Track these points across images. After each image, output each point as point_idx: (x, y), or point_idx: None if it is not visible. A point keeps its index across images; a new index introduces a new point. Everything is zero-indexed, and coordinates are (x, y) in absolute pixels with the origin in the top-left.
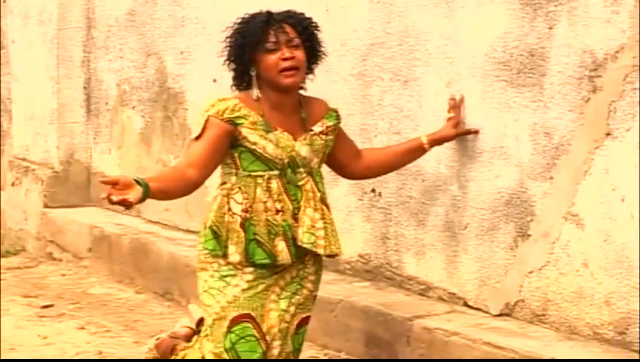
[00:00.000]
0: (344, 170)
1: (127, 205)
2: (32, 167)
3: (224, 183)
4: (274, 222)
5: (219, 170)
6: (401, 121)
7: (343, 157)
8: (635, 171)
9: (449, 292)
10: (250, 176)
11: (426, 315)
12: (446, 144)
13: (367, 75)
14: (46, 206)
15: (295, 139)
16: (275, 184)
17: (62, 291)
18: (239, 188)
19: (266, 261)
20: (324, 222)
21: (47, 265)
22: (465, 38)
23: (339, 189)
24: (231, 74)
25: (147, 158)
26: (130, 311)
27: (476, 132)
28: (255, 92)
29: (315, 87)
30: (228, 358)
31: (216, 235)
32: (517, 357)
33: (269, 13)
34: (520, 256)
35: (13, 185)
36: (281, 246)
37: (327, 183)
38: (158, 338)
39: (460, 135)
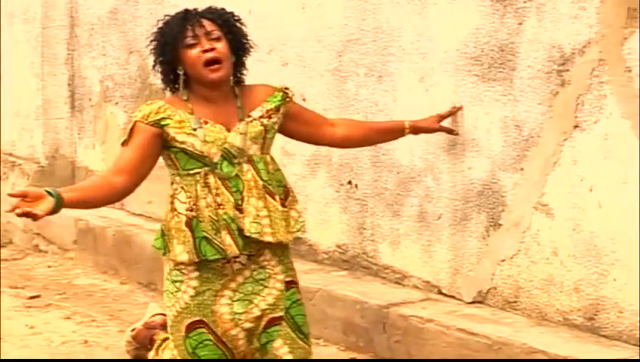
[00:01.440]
0: (317, 139)
1: (33, 218)
2: (18, 162)
3: (172, 183)
4: (216, 217)
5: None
6: (376, 114)
7: (308, 129)
8: (603, 162)
9: (424, 281)
10: (189, 174)
11: (402, 303)
12: (421, 136)
13: (343, 70)
14: None
15: (229, 130)
16: (212, 179)
17: (48, 282)
18: (182, 187)
19: (217, 256)
20: (268, 210)
21: (33, 257)
22: (437, 34)
23: (316, 181)
24: (159, 76)
25: None
26: (115, 301)
27: (456, 134)
28: (183, 92)
29: (292, 82)
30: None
31: (162, 234)
32: (489, 342)
33: (186, 10)
34: (492, 245)
35: (0, 179)
36: (227, 239)
37: (305, 175)
38: (133, 329)
39: (441, 130)
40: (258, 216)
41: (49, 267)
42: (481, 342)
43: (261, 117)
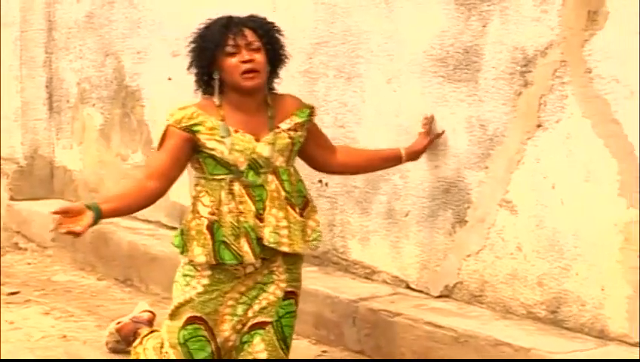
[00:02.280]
0: (317, 164)
1: (76, 235)
2: None
3: (196, 185)
4: (237, 224)
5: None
6: (345, 115)
7: (315, 152)
8: (565, 160)
9: (392, 276)
10: (214, 179)
11: (371, 297)
12: (389, 136)
13: (313, 72)
14: (12, 198)
15: (258, 140)
16: (237, 187)
17: (27, 279)
18: (206, 191)
19: (234, 261)
20: (288, 221)
21: (13, 254)
22: (404, 36)
23: None
24: (194, 78)
25: (107, 153)
26: (93, 296)
27: (442, 133)
28: (216, 98)
29: None
30: (180, 351)
31: (182, 233)
32: (456, 335)
33: (229, 17)
34: (458, 241)
35: None
36: (245, 246)
37: None
38: (119, 322)
39: (432, 142)
40: (278, 226)
41: (28, 264)
42: (448, 334)
43: (289, 129)
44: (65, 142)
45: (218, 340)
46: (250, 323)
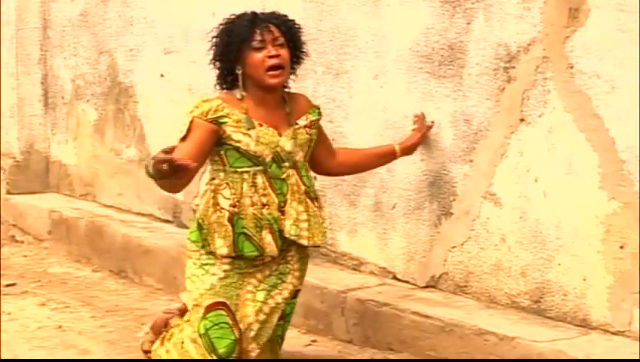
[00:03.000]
0: (319, 166)
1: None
2: None
3: (213, 179)
4: (260, 215)
5: (207, 167)
6: (334, 110)
7: (319, 154)
8: (547, 154)
9: (379, 267)
10: (236, 172)
11: (359, 288)
12: (375, 131)
13: (302, 68)
14: (8, 192)
15: (280, 134)
16: (260, 179)
17: (24, 271)
18: (227, 183)
19: (255, 253)
20: (308, 215)
21: (10, 247)
22: (390, 33)
23: None
24: (216, 73)
25: (101, 148)
26: (88, 288)
27: (432, 123)
28: (239, 91)
29: None
30: (201, 344)
31: (200, 228)
32: (442, 324)
33: (254, 13)
34: (443, 233)
35: None
36: (268, 238)
37: None
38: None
39: (424, 136)
40: (298, 219)
41: (25, 256)
42: (434, 324)
43: (306, 126)
44: (60, 138)
45: (241, 326)
46: (277, 315)
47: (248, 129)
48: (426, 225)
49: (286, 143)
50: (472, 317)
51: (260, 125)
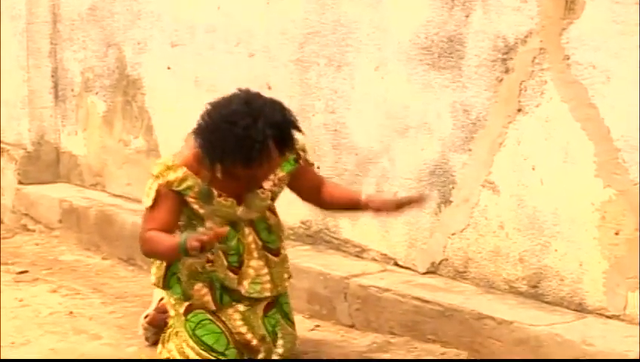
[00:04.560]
0: (305, 199)
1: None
2: (6, 148)
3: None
4: (198, 268)
5: None
6: (336, 101)
7: (301, 192)
8: (544, 143)
9: (381, 254)
10: (191, 223)
11: (361, 274)
12: (377, 120)
13: (305, 60)
14: (20, 182)
15: (240, 203)
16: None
17: (36, 258)
18: (182, 226)
19: (179, 296)
20: (269, 268)
21: (22, 235)
22: (391, 26)
23: None
24: (194, 133)
25: (110, 139)
26: (98, 275)
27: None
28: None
29: (258, 71)
30: (195, 344)
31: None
32: (442, 309)
33: (255, 123)
34: (443, 220)
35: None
36: (203, 291)
37: None
38: (146, 316)
39: (399, 207)
40: (259, 275)
41: (36, 244)
42: (435, 309)
43: (273, 185)
44: (70, 129)
45: (224, 319)
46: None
47: (207, 204)
48: (427, 212)
49: (243, 212)
50: (471, 302)
51: (220, 195)
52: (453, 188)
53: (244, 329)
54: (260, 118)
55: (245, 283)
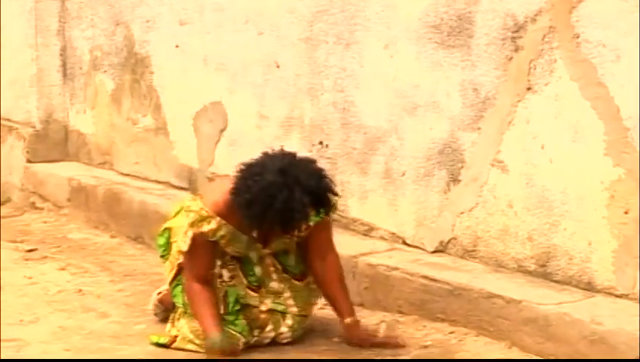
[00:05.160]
0: (305, 251)
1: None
2: (15, 127)
3: None
4: (216, 282)
5: None
6: (345, 79)
7: (307, 244)
8: (553, 121)
9: (390, 232)
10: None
11: (370, 253)
12: (386, 99)
13: (314, 39)
14: (28, 161)
15: (265, 247)
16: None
17: (44, 236)
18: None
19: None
20: (292, 291)
21: (30, 213)
22: (400, 4)
23: (290, 142)
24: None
25: (118, 117)
26: (106, 253)
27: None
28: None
29: (266, 50)
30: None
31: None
32: (450, 288)
33: (293, 194)
34: (452, 199)
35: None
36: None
37: (279, 136)
38: (159, 293)
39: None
40: (281, 296)
41: (45, 222)
42: (443, 287)
43: (298, 233)
44: (78, 107)
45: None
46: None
47: (242, 247)
48: (435, 191)
49: (262, 252)
50: (479, 280)
51: (250, 238)
52: (462, 167)
53: (255, 302)
54: (297, 188)
55: (267, 301)
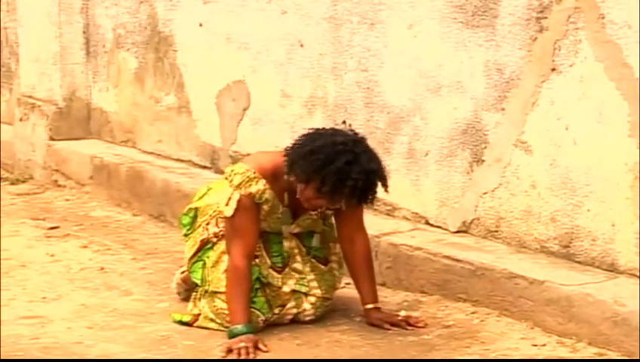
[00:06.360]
0: (338, 232)
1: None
2: (38, 104)
3: None
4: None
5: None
6: (368, 59)
7: (342, 222)
8: (578, 102)
9: (412, 212)
10: None
11: (392, 233)
12: (410, 79)
13: (338, 18)
14: (51, 138)
15: (294, 218)
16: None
17: (66, 214)
18: None
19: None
20: (315, 274)
21: (53, 191)
22: None
23: (313, 122)
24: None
25: (141, 95)
26: (128, 231)
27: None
28: (287, 176)
29: (290, 29)
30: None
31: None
32: (473, 268)
33: (356, 161)
34: (475, 179)
35: (21, 120)
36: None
37: (303, 116)
38: (183, 272)
39: (393, 322)
40: (304, 278)
41: (67, 200)
42: (465, 268)
43: (325, 210)
44: (101, 85)
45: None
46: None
47: (273, 213)
48: (458, 171)
49: (293, 227)
50: (502, 261)
51: (286, 206)
52: (485, 147)
53: (278, 283)
54: (363, 159)
55: (290, 282)
